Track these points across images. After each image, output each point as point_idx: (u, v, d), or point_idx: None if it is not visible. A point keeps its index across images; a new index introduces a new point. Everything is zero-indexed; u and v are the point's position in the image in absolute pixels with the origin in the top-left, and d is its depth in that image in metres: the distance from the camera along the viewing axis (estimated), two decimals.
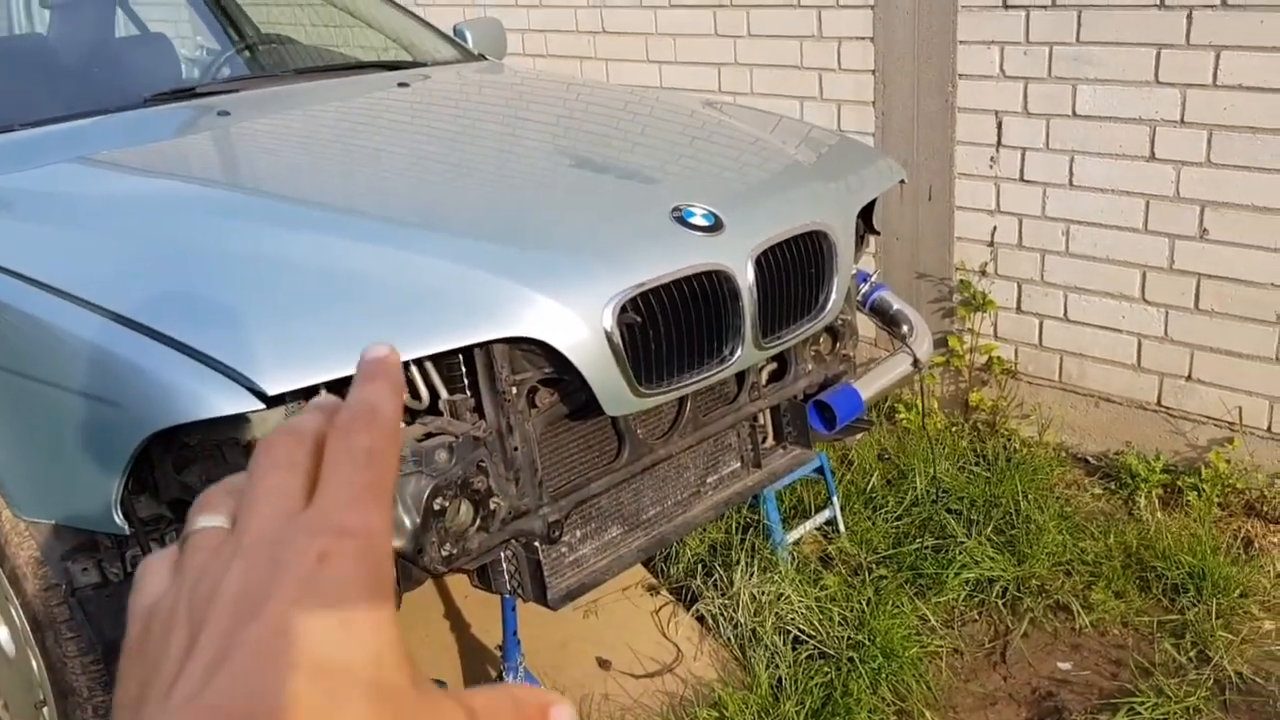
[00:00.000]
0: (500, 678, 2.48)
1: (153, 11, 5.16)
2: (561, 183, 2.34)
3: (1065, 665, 2.82)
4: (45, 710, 2.10)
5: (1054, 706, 2.68)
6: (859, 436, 3.11)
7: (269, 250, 1.92)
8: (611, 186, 2.32)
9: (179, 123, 2.66)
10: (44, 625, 1.96)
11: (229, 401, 1.64)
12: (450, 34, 3.67)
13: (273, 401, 1.67)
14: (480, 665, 2.81)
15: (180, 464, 1.88)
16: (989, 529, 3.20)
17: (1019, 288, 3.70)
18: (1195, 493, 3.27)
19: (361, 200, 2.15)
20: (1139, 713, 2.56)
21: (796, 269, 2.26)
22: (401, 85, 2.98)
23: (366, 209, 2.10)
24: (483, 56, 3.56)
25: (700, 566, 3.11)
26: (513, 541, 2.07)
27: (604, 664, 2.86)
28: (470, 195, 2.23)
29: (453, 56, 3.49)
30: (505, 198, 2.23)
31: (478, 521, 1.97)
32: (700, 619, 2.98)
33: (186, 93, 2.89)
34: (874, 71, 3.84)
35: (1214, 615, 2.81)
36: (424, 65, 3.31)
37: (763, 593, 2.92)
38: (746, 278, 2.12)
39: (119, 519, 1.73)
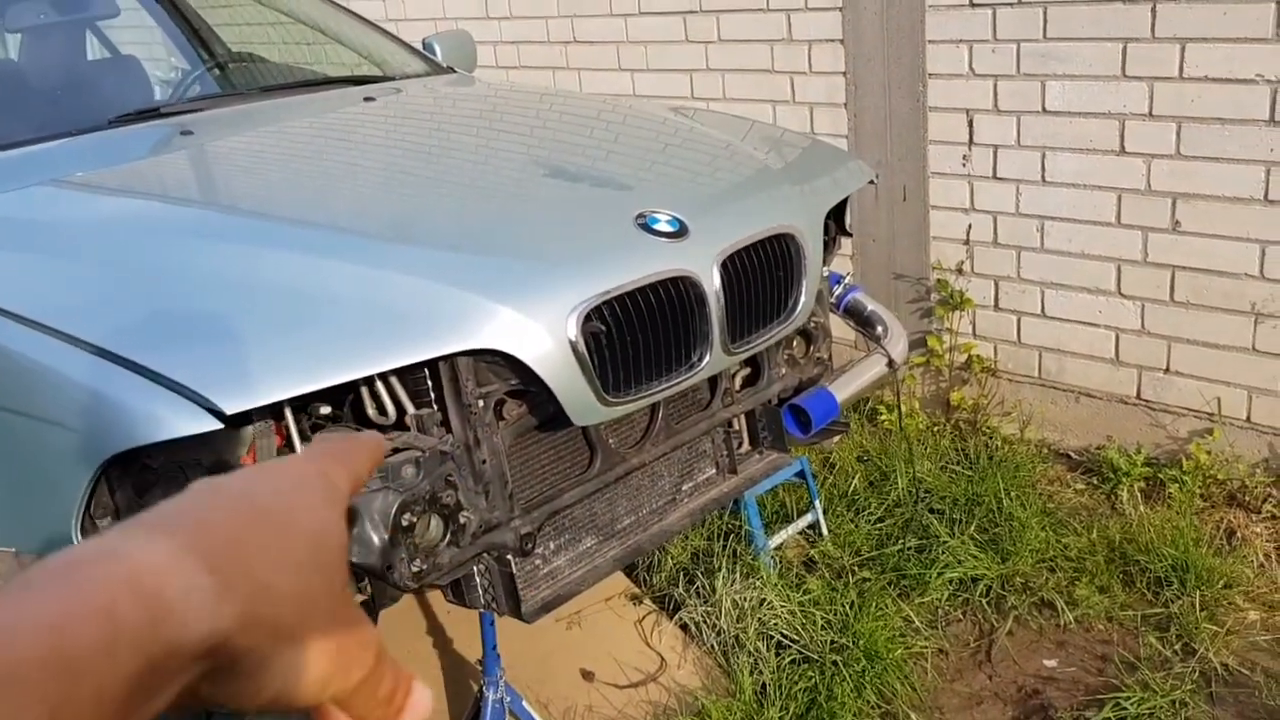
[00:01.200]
0: (481, 693, 2.46)
1: (126, 35, 5.15)
2: (526, 193, 2.33)
3: (1051, 662, 2.80)
4: None
5: (1040, 704, 2.67)
6: (836, 439, 3.09)
7: (227, 268, 1.90)
8: (577, 196, 2.31)
9: (142, 143, 2.65)
10: None
11: (186, 422, 1.62)
12: (420, 48, 3.66)
13: (232, 421, 1.65)
14: (462, 680, 2.79)
15: (142, 487, 1.86)
16: (972, 528, 3.19)
17: (996, 285, 3.70)
18: (1177, 485, 3.26)
19: (321, 215, 2.14)
20: (1125, 708, 2.54)
21: (764, 272, 2.25)
22: (368, 100, 2.97)
23: (326, 224, 2.08)
24: (452, 70, 3.55)
25: (682, 574, 3.09)
26: (485, 555, 2.05)
27: (587, 675, 2.84)
28: (433, 208, 2.22)
29: (422, 70, 3.48)
30: (468, 209, 2.22)
31: (448, 536, 1.95)
32: (684, 627, 2.96)
33: (151, 113, 2.87)
34: (845, 73, 3.83)
35: (1198, 607, 2.80)
36: (392, 79, 3.30)
37: (745, 599, 2.91)
38: (712, 282, 2.11)
39: None
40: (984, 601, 2.99)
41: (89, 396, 1.67)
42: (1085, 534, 3.17)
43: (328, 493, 0.50)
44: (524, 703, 2.58)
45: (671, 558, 3.15)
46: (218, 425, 1.62)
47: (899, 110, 3.71)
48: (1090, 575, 3.00)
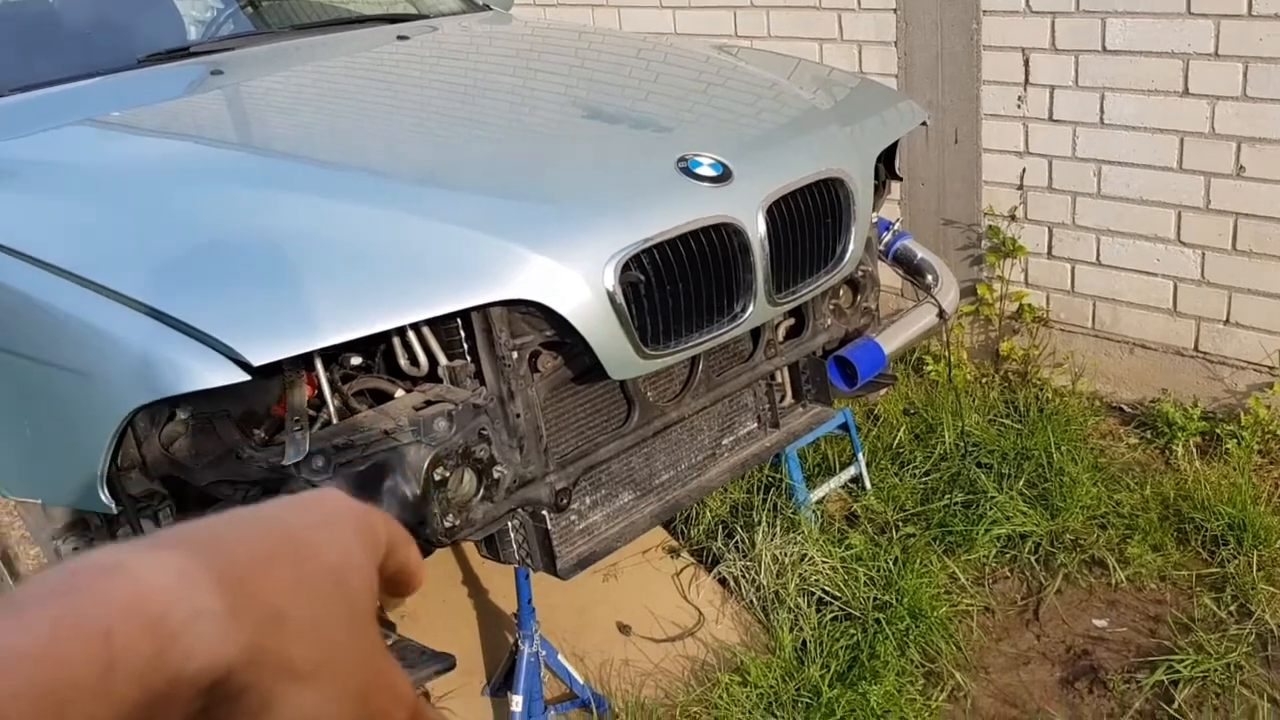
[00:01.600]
0: (516, 646, 2.42)
1: None
2: (563, 135, 2.24)
3: (1101, 622, 2.72)
4: None
5: (1089, 665, 2.59)
6: (882, 392, 3.00)
7: (258, 214, 1.84)
8: (616, 138, 2.21)
9: (171, 83, 2.58)
10: None
11: (212, 373, 1.57)
12: None
13: (261, 371, 1.59)
14: (498, 632, 2.76)
15: (170, 438, 1.82)
16: (1020, 483, 3.10)
17: (1050, 232, 3.57)
18: (1234, 441, 3.15)
19: (353, 158, 2.06)
20: (1178, 670, 2.46)
21: (812, 219, 2.15)
22: (401, 38, 2.88)
23: (356, 166, 2.01)
24: (488, 7, 3.45)
25: (721, 528, 3.03)
26: (519, 511, 2.00)
27: (624, 629, 2.80)
28: (467, 150, 2.14)
29: (458, 8, 3.38)
30: (504, 152, 2.14)
31: (481, 491, 1.90)
32: (722, 581, 2.91)
33: (181, 52, 2.79)
34: (895, 10, 3.69)
35: (1255, 568, 2.71)
36: (427, 17, 3.20)
37: (785, 554, 2.84)
38: (757, 230, 2.02)
39: (105, 497, 1.67)
40: (1032, 559, 2.91)
41: (114, 346, 1.62)
42: (1138, 490, 3.07)
43: (363, 532, 0.45)
44: (559, 656, 2.54)
45: (710, 511, 3.09)
46: (244, 377, 1.56)
47: (951, 49, 3.56)
48: (1143, 533, 2.91)
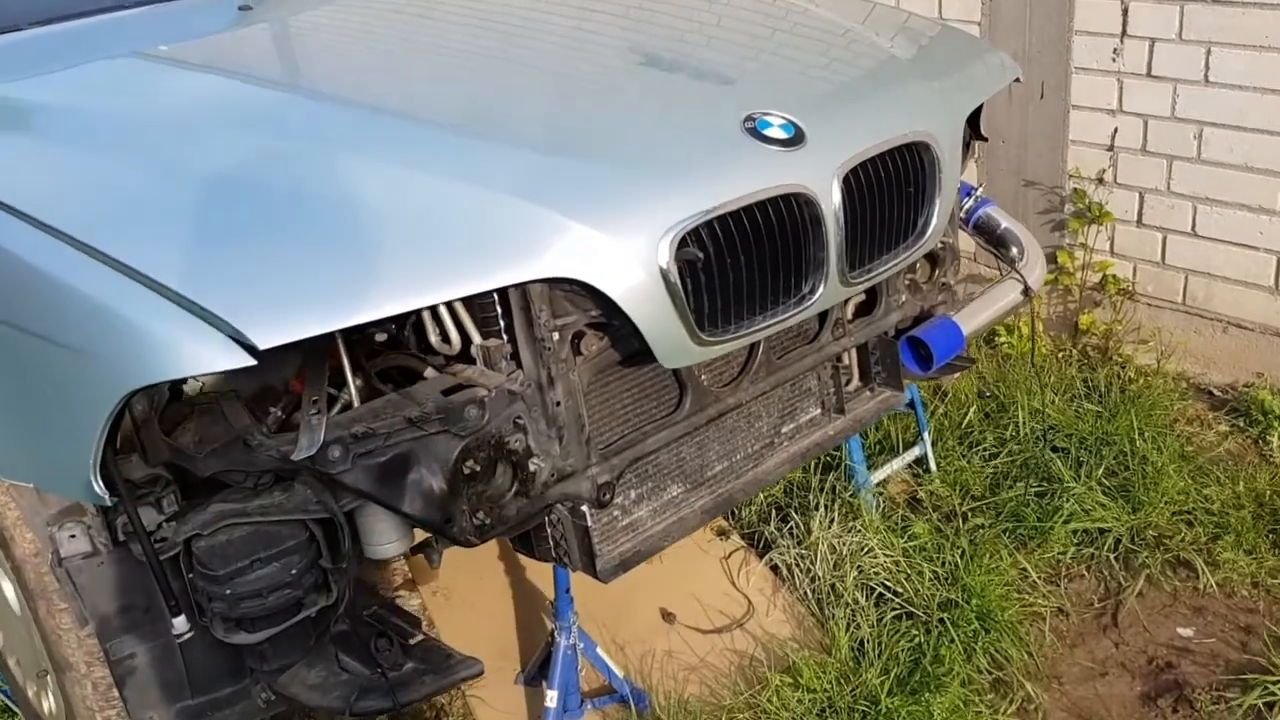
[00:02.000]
0: (553, 637, 2.25)
1: None
2: (616, 86, 2.02)
3: (1186, 631, 2.51)
4: (49, 679, 1.92)
5: (1173, 680, 2.38)
6: (957, 375, 2.78)
7: (273, 172, 1.65)
8: (674, 91, 1.98)
9: (193, 19, 2.38)
10: (36, 594, 1.76)
11: (214, 357, 1.38)
12: None
13: (266, 354, 1.40)
14: (534, 619, 2.59)
15: (173, 421, 1.65)
16: (1100, 471, 2.87)
17: (1140, 198, 3.29)
18: None
19: (379, 103, 1.85)
20: (1274, 692, 2.24)
21: (892, 188, 1.92)
22: None
23: (383, 114, 1.80)
24: None
25: (775, 511, 2.84)
26: (558, 506, 1.81)
27: (668, 617, 2.63)
28: (508, 101, 1.91)
29: None
30: (549, 104, 1.92)
31: (515, 486, 1.71)
32: (774, 569, 2.72)
33: None
34: None
35: None
36: None
37: (844, 543, 2.65)
38: (832, 201, 1.79)
39: (99, 488, 1.50)
40: (1111, 557, 2.69)
41: (112, 322, 1.43)
42: (1229, 485, 2.83)
43: None
44: (598, 649, 2.38)
45: (763, 491, 2.88)
46: (249, 361, 1.37)
47: None
48: (1235, 533, 2.67)
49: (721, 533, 2.85)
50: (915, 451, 3.00)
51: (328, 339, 1.59)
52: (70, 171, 1.72)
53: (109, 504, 1.54)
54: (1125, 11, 3.13)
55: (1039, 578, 2.63)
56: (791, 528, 2.74)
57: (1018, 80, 2.47)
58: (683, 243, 1.64)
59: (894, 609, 2.53)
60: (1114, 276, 3.37)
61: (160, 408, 1.62)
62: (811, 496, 2.80)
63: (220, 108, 1.88)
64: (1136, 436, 2.96)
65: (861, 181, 1.85)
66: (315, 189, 1.62)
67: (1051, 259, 3.44)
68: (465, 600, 2.62)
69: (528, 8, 2.44)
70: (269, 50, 2.32)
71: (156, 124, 1.82)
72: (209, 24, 2.45)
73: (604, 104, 1.93)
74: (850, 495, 2.81)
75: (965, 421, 3.14)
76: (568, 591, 2.24)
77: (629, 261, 1.60)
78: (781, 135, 1.79)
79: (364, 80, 2.05)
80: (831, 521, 2.70)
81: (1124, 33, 3.15)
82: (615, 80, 2.06)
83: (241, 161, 1.68)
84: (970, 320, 2.34)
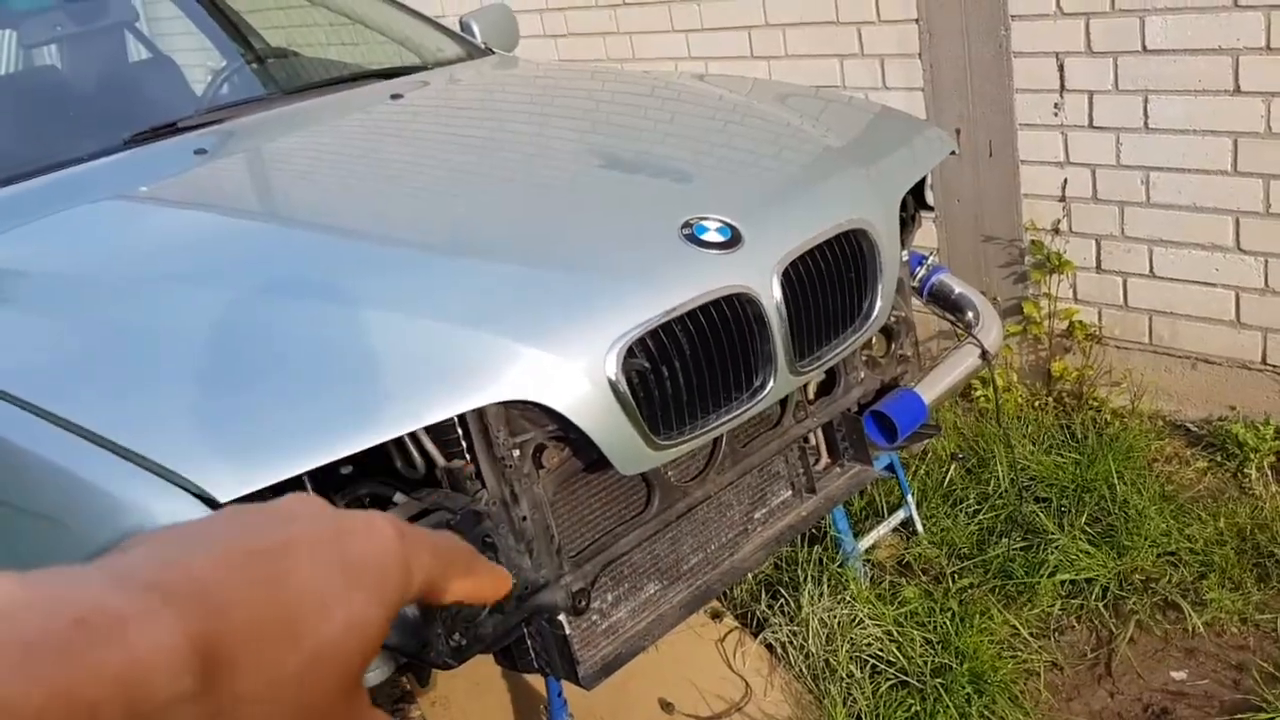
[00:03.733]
0: None
1: (170, 28, 5.00)
2: (553, 202, 2.09)
3: (1179, 674, 2.52)
4: None
5: None
6: (924, 444, 2.82)
7: (220, 318, 1.71)
8: (611, 204, 2.05)
9: (149, 168, 2.45)
10: None
11: (176, 510, 1.43)
12: (456, 28, 3.42)
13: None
14: (531, 709, 2.60)
15: None
16: (1082, 519, 2.89)
17: (1097, 244, 3.36)
18: None
19: (336, 237, 1.92)
20: None
21: (833, 277, 1.98)
22: (395, 97, 2.74)
23: (344, 245, 1.87)
24: (490, 51, 3.30)
25: (764, 589, 2.86)
26: (535, 618, 1.84)
27: (666, 706, 2.64)
28: (451, 223, 1.98)
29: (458, 54, 3.24)
30: (489, 223, 1.98)
31: (490, 603, 1.74)
32: (769, 647, 2.73)
33: (169, 128, 2.67)
34: (917, 20, 3.49)
35: None
36: (424, 69, 3.06)
37: (834, 616, 2.67)
38: (773, 296, 1.85)
39: None
40: (1100, 605, 2.70)
41: (75, 487, 1.49)
42: (1211, 521, 2.85)
43: (380, 584, 0.44)
44: None
45: (745, 576, 2.91)
46: (210, 512, 1.42)
47: (980, 57, 3.37)
48: (1219, 570, 2.69)
49: (715, 614, 2.87)
50: (901, 514, 3.03)
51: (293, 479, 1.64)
52: (25, 334, 1.79)
53: None
54: (1061, 67, 3.22)
55: (1030, 634, 2.64)
56: (783, 605, 2.76)
57: (954, 153, 2.54)
58: (630, 353, 1.69)
59: (889, 679, 2.55)
60: (1080, 322, 3.42)
61: None
62: (800, 571, 2.82)
63: (123, 269, 1.93)
64: (1116, 480, 2.99)
65: (801, 274, 1.91)
66: (260, 332, 1.68)
67: (1017, 310, 3.50)
68: (463, 709, 2.64)
69: (465, 131, 2.52)
70: (199, 200, 2.34)
71: (110, 278, 1.89)
72: (150, 174, 2.49)
73: (542, 220, 1.99)
74: (839, 566, 2.83)
75: (947, 480, 3.17)
76: (560, 695, 2.25)
77: (578, 377, 1.65)
78: (719, 239, 1.85)
79: (320, 206, 2.12)
80: (821, 595, 2.73)
81: (1062, 87, 3.24)
82: (550, 199, 2.12)
83: (174, 311, 1.74)
84: (931, 389, 2.38)
